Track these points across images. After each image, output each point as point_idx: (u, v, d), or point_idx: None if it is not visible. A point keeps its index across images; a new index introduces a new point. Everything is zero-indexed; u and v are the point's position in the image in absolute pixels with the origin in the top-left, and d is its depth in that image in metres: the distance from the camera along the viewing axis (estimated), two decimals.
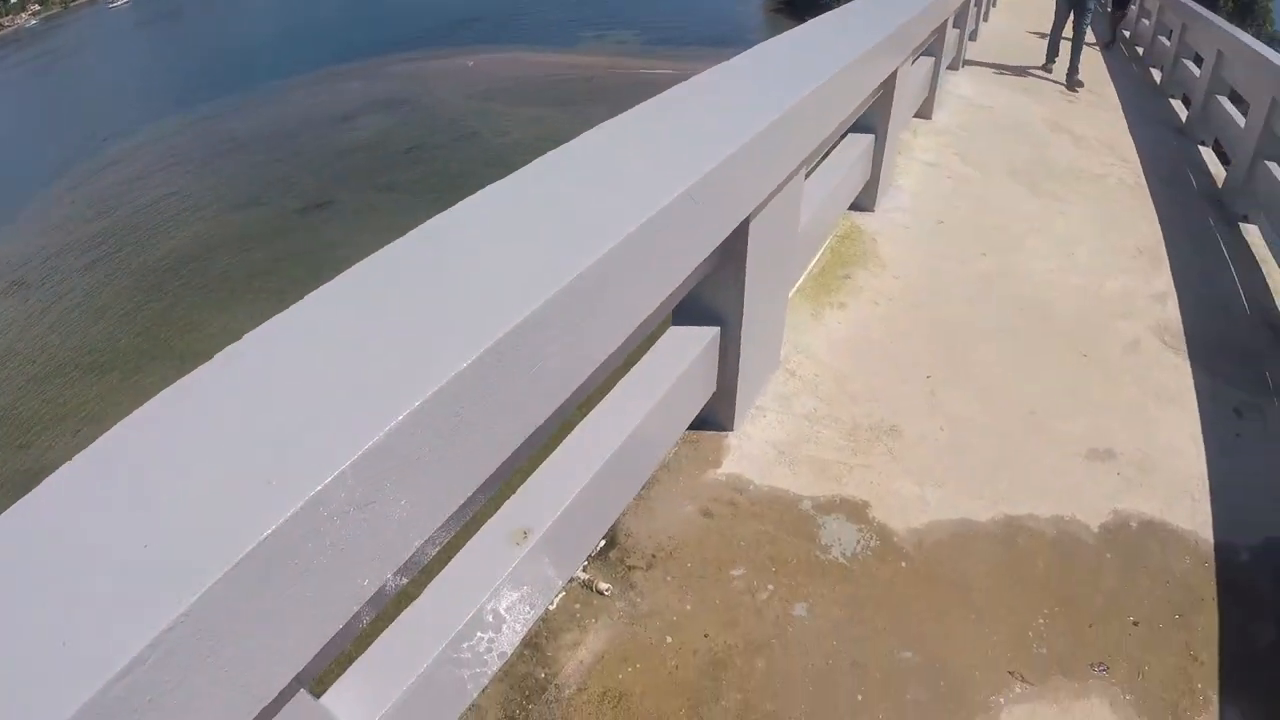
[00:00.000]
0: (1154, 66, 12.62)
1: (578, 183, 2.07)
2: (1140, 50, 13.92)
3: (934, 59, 7.10)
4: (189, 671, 1.02)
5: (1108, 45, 13.93)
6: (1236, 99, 8.31)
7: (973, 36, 10.94)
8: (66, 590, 1.01)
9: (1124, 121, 9.15)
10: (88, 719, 0.90)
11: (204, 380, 1.33)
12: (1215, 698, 2.54)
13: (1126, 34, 15.32)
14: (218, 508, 1.11)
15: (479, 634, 2.01)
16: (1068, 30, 10.71)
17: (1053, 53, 11.07)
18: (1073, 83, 10.22)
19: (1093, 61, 11.83)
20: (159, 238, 23.69)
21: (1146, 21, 13.98)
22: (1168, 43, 11.69)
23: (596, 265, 1.71)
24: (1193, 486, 3.40)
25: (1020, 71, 10.72)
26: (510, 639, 2.18)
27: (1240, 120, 7.44)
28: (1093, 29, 11.99)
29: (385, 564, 1.38)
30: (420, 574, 1.72)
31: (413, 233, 1.74)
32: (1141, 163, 7.64)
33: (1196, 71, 9.67)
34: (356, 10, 54.80)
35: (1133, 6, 15.14)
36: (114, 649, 0.94)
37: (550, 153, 2.18)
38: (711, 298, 2.90)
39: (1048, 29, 11.20)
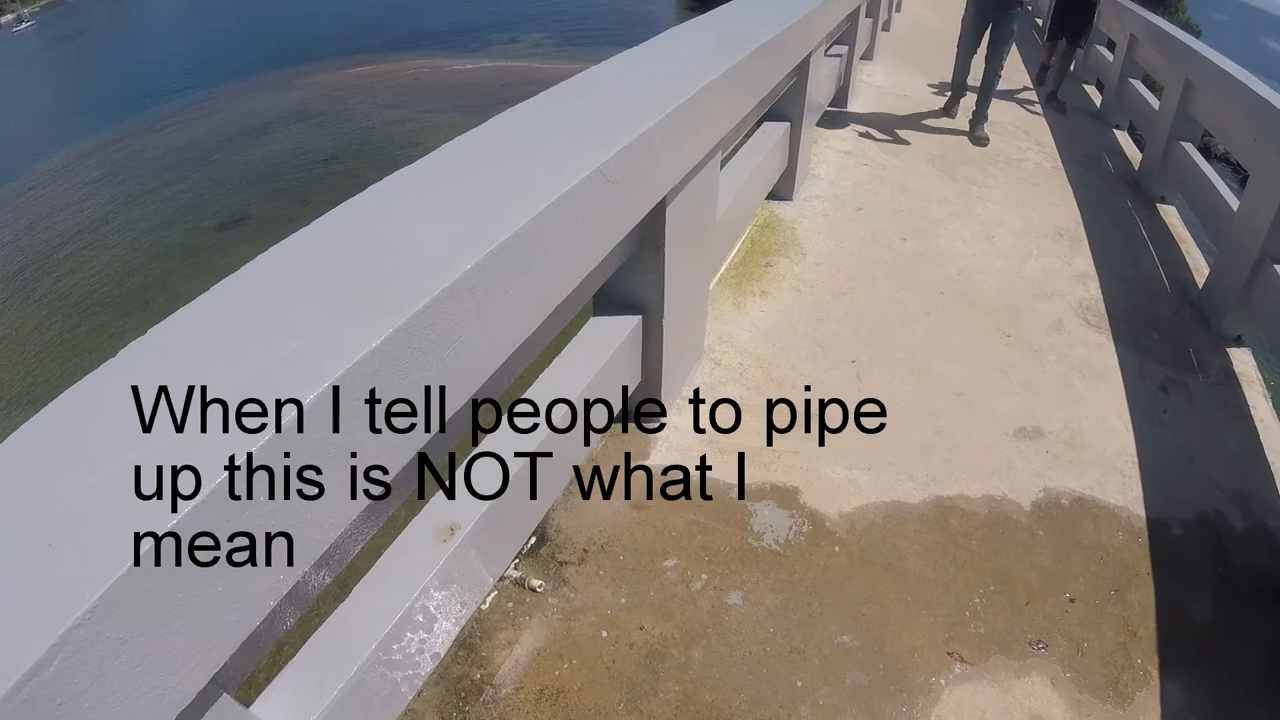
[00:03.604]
0: None
1: (491, 160, 1.98)
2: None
3: (847, 47, 7.12)
4: (100, 672, 0.95)
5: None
6: (1150, 83, 8.46)
7: (885, 27, 10.88)
8: None
9: (1039, 106, 9.27)
10: None
11: (113, 373, 1.23)
12: (1155, 672, 2.53)
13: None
14: (124, 500, 1.03)
15: (409, 635, 1.92)
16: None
17: (958, 94, 8.05)
18: (976, 136, 7.50)
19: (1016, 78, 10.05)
20: (71, 264, 23.03)
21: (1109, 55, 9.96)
22: None
23: (513, 239, 1.65)
24: (1122, 463, 3.40)
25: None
26: (443, 639, 2.09)
27: (1154, 103, 7.56)
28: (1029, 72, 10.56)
29: (302, 556, 1.30)
30: (346, 573, 1.65)
31: (321, 218, 1.65)
32: (1057, 147, 7.74)
33: (1110, 56, 9.80)
34: (257, 26, 54.05)
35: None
36: (20, 649, 0.87)
37: (460, 136, 2.08)
38: (632, 285, 2.82)
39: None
